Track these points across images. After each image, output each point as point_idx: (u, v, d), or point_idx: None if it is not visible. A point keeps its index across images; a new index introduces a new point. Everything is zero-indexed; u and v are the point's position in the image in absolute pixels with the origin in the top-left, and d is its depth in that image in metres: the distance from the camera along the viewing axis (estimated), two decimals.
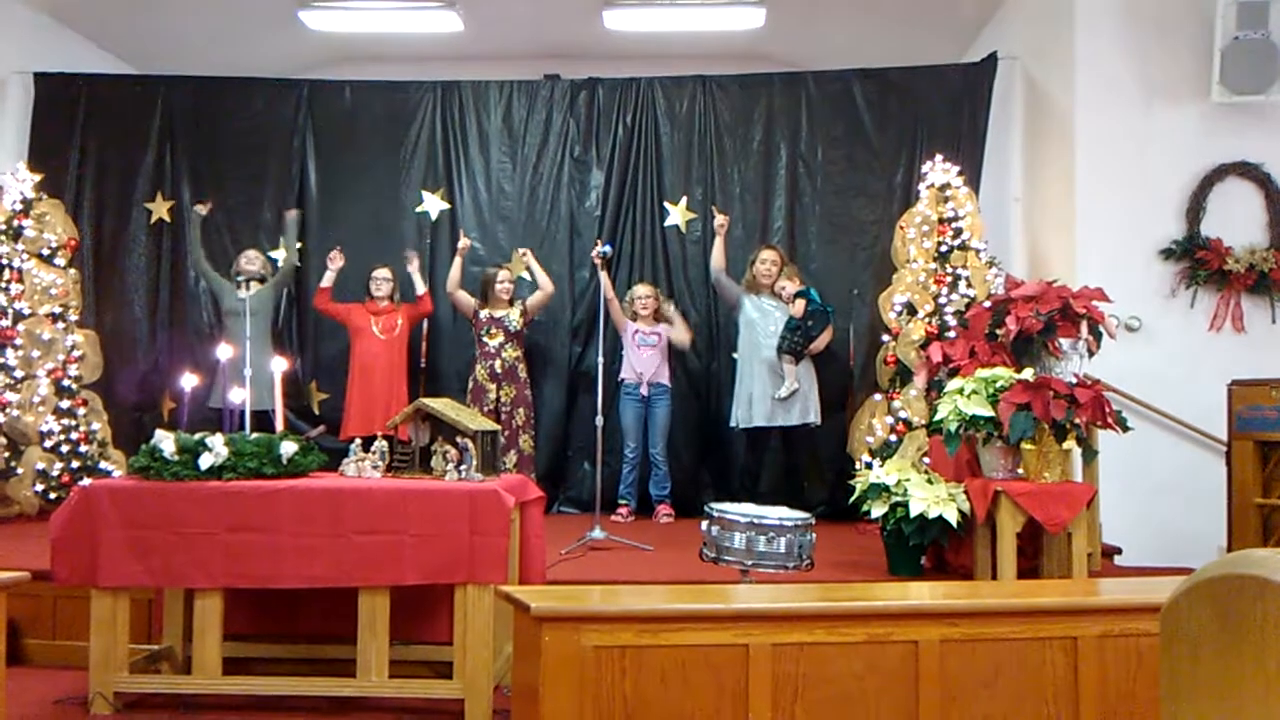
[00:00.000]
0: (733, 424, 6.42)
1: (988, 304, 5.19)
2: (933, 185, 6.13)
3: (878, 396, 6.12)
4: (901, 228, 6.25)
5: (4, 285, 6.28)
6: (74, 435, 6.27)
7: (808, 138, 6.98)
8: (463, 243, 6.74)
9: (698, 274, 6.95)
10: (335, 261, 6.61)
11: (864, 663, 2.65)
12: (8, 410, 6.11)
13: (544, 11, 7.56)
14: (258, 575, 3.59)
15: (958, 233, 6.00)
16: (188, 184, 7.19)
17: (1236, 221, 5.97)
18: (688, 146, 7.10)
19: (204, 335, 6.97)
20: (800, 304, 6.21)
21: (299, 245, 7.00)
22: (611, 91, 7.19)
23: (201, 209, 6.63)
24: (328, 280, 6.62)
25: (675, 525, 6.24)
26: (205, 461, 3.63)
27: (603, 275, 6.06)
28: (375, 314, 6.61)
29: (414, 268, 6.69)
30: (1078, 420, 4.34)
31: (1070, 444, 4.41)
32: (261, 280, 6.44)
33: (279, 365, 4.22)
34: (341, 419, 6.52)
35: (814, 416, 6.28)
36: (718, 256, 6.47)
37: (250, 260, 6.52)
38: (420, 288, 6.68)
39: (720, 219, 6.49)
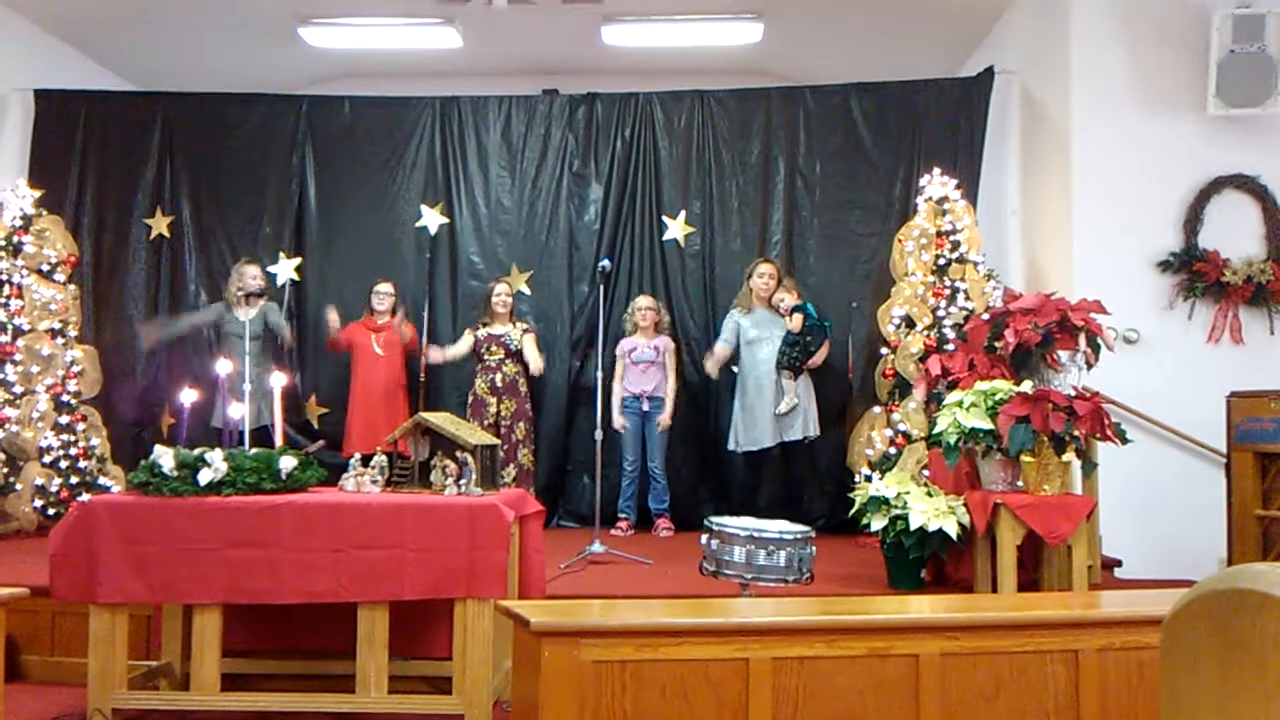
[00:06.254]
0: (731, 446, 6.41)
1: (986, 317, 5.19)
2: (930, 198, 6.15)
3: (877, 409, 6.12)
4: (899, 241, 6.26)
5: (3, 301, 6.28)
6: (73, 451, 6.26)
7: (805, 152, 7.00)
8: (427, 351, 6.68)
9: (696, 288, 6.96)
10: (334, 321, 6.61)
11: (864, 676, 2.65)
12: (7, 426, 6.11)
13: (542, 27, 7.60)
14: (257, 591, 3.58)
15: (955, 246, 6.02)
16: (187, 199, 7.21)
17: (1234, 234, 5.99)
18: (686, 161, 7.12)
19: (203, 351, 6.97)
20: (798, 319, 6.22)
21: (298, 260, 7.03)
22: (610, 106, 7.21)
23: (149, 340, 6.82)
24: (333, 332, 6.65)
25: (675, 539, 6.23)
26: (204, 477, 3.62)
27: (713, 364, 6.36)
28: (375, 330, 6.63)
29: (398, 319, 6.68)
30: (1077, 432, 4.34)
31: (1069, 456, 4.41)
32: (260, 295, 6.43)
33: (278, 380, 4.22)
34: (344, 435, 6.54)
35: (813, 430, 6.28)
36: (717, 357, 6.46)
37: (253, 276, 6.52)
38: (407, 337, 6.67)
39: (713, 363, 6.44)
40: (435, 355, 6.68)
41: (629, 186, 7.14)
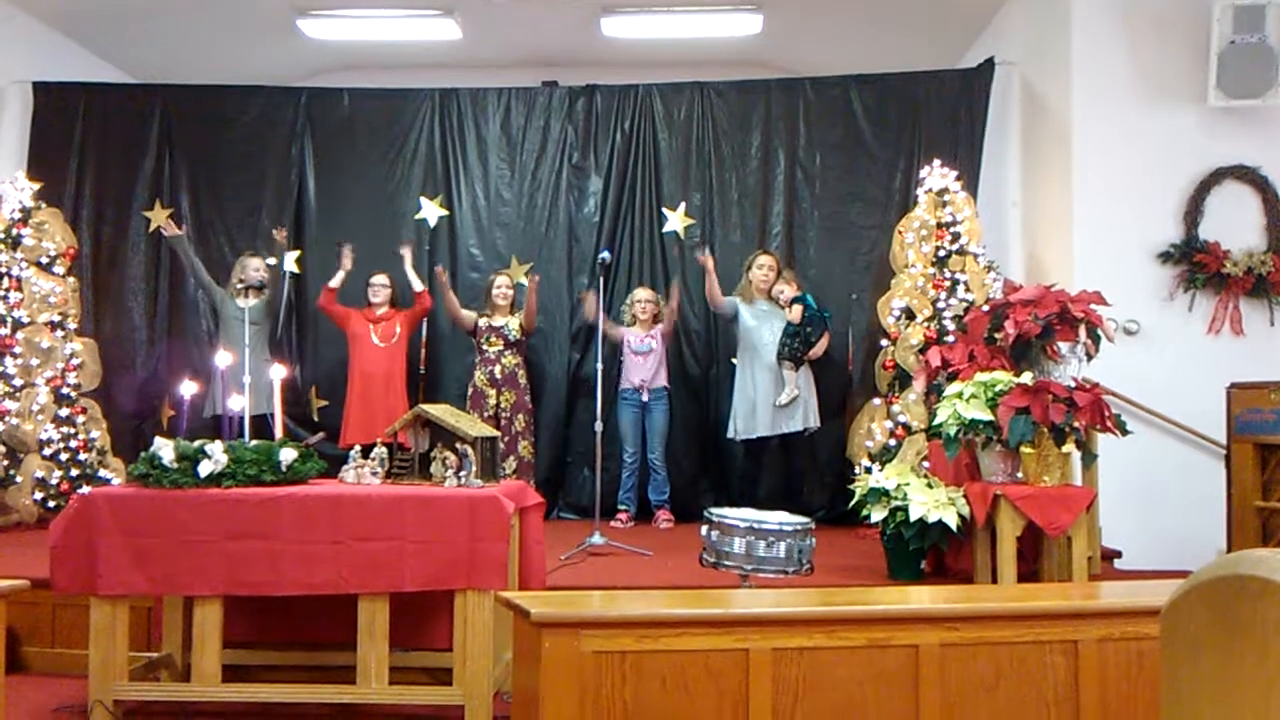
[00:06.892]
0: (730, 435, 6.41)
1: (986, 308, 5.19)
2: (930, 190, 6.14)
3: (877, 401, 6.12)
4: (900, 232, 6.25)
5: (3, 293, 6.28)
6: (73, 443, 6.26)
7: (805, 143, 6.99)
8: (438, 270, 6.71)
9: (696, 280, 6.93)
10: (345, 260, 6.59)
11: (864, 667, 2.65)
12: (7, 418, 6.11)
13: (542, 19, 7.58)
14: (257, 583, 3.58)
15: (956, 237, 6.01)
16: (186, 192, 7.20)
17: (1234, 225, 5.98)
18: (686, 153, 7.10)
19: (203, 343, 6.97)
20: (798, 310, 6.22)
21: (298, 252, 7.03)
22: (609, 98, 7.20)
23: (169, 230, 6.67)
24: (336, 281, 6.62)
25: (675, 531, 6.24)
26: (204, 469, 3.62)
27: (588, 308, 6.19)
28: (374, 321, 6.63)
29: (408, 265, 6.67)
30: (1077, 424, 4.34)
31: (1069, 447, 4.41)
32: (261, 288, 6.44)
33: (278, 372, 4.22)
34: (341, 426, 6.54)
35: (813, 421, 6.28)
36: (713, 294, 6.41)
37: (255, 269, 6.51)
38: (417, 285, 6.67)
39: (705, 259, 6.39)
40: (445, 280, 6.68)
41: (629, 178, 7.13)
